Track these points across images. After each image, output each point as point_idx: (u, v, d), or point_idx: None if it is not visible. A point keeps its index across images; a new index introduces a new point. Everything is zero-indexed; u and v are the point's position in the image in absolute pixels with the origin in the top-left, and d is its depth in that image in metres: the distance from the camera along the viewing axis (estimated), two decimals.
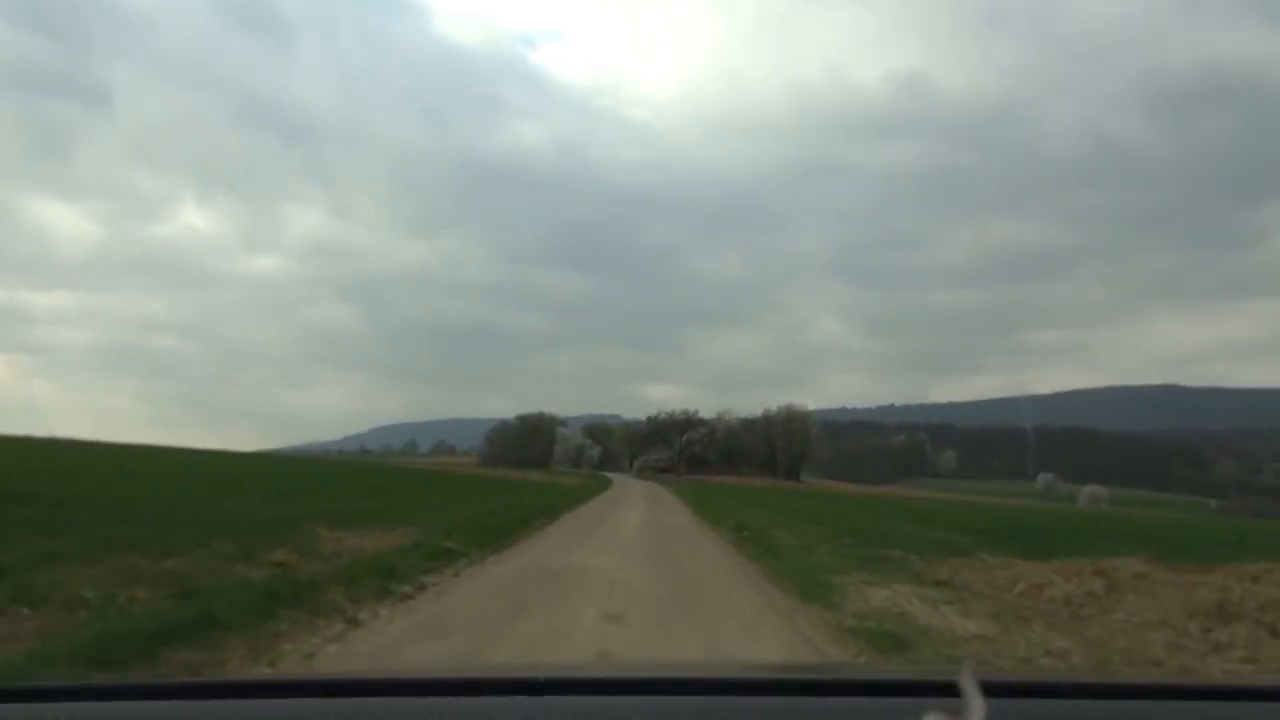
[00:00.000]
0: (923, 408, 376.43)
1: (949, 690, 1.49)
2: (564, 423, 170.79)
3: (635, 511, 33.94)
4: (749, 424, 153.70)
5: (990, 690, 1.45)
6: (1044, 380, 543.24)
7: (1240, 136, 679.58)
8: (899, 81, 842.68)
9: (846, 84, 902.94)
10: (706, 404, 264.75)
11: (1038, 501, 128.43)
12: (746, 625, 9.82)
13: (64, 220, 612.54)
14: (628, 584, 12.28)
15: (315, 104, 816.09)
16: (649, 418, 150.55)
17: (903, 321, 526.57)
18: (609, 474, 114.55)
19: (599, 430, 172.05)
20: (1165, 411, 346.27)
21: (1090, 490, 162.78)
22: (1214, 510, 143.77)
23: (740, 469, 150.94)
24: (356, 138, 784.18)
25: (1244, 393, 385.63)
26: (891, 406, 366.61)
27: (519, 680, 1.92)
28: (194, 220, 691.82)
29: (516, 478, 54.40)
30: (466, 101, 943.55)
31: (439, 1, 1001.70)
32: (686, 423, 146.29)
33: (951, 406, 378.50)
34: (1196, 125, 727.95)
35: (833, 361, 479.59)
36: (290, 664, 6.86)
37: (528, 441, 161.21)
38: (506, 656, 7.41)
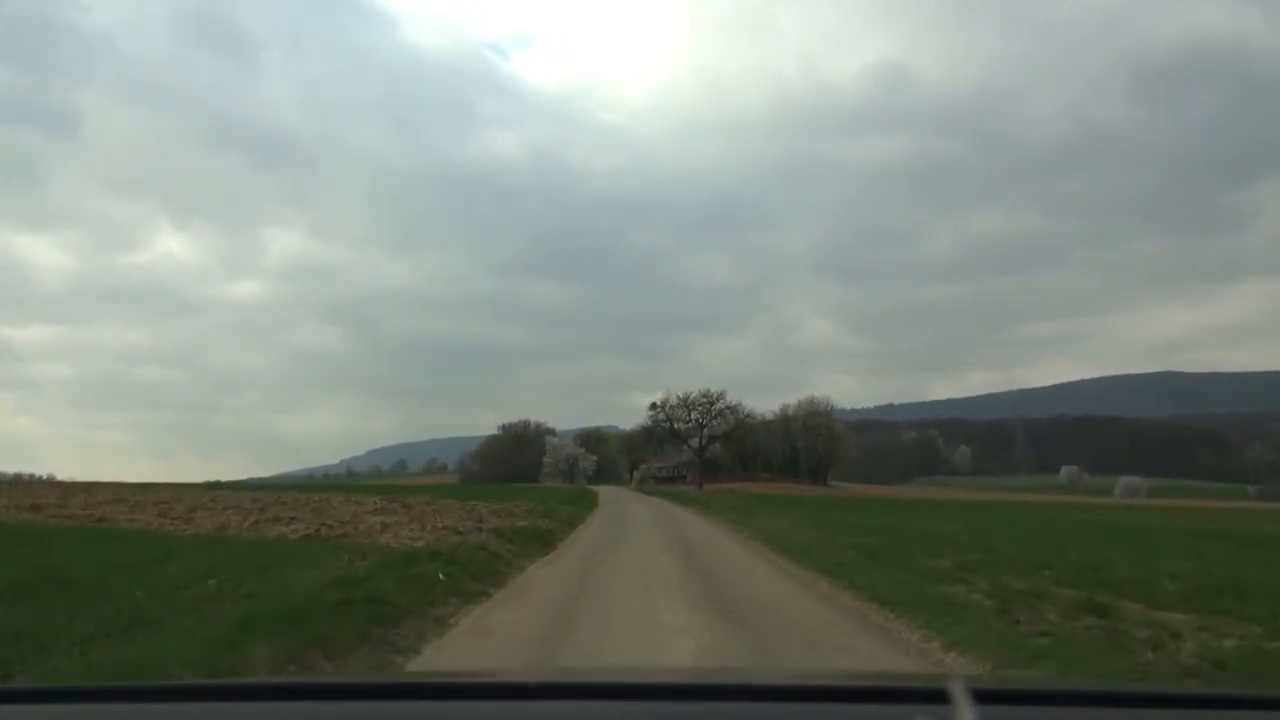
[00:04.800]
0: (922, 405, 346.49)
1: (939, 697, 1.41)
2: (553, 431, 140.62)
3: None
4: (766, 423, 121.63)
5: (980, 697, 1.39)
6: (1041, 373, 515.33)
7: (1226, 116, 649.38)
8: (876, 73, 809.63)
9: (823, 78, 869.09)
10: None
11: (1068, 496, 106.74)
12: None
13: (39, 253, 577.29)
14: None
15: (287, 122, 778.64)
16: (651, 404, 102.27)
17: (894, 319, 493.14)
18: (604, 487, 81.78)
19: (593, 438, 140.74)
20: (1167, 398, 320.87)
21: (1126, 482, 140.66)
22: (1253, 497, 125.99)
23: (758, 474, 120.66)
24: (331, 155, 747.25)
25: (1246, 376, 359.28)
26: (890, 405, 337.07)
27: (513, 685, 1.88)
28: (171, 247, 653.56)
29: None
30: (440, 112, 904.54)
31: (404, 12, 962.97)
32: (708, 411, 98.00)
33: (951, 403, 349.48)
34: (1182, 107, 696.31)
35: (826, 363, 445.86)
36: None
37: (515, 454, 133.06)
38: None
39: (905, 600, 9.46)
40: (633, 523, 25.51)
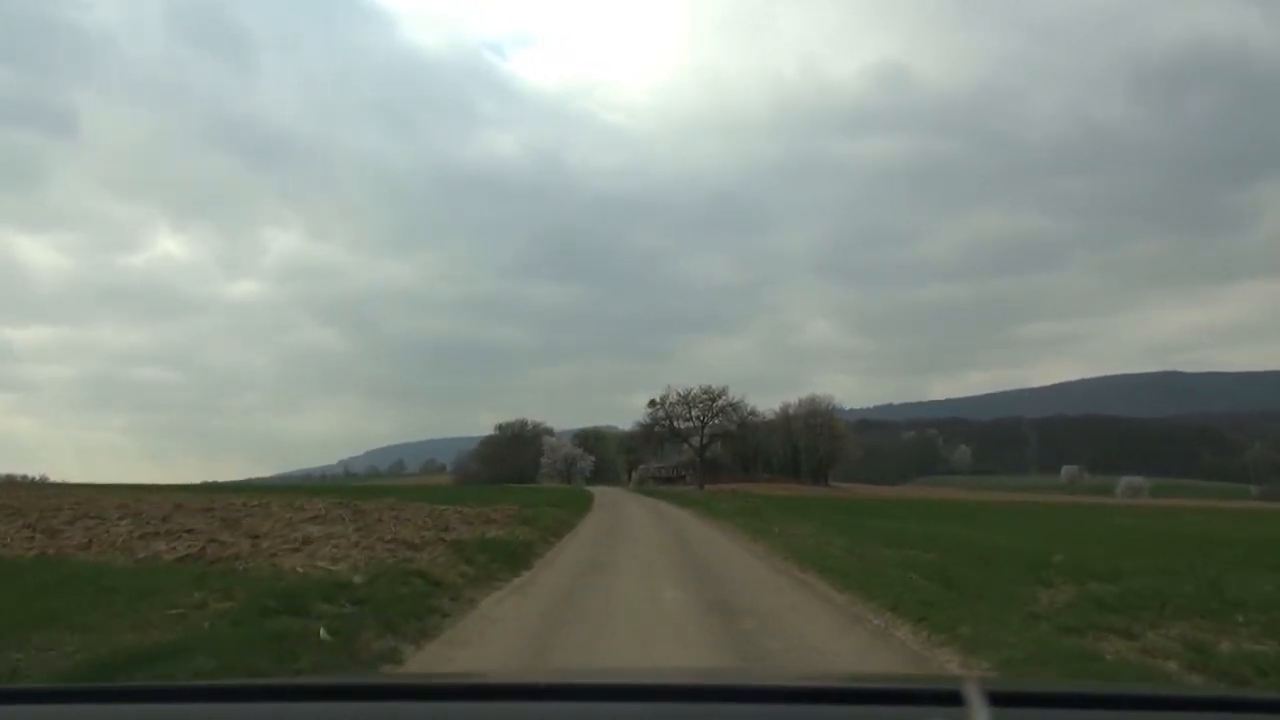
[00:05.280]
0: (921, 405, 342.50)
1: (953, 699, 1.40)
2: (550, 431, 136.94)
3: None
4: (766, 423, 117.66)
5: (995, 699, 1.38)
6: (1040, 373, 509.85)
7: (1226, 116, 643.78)
8: (876, 73, 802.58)
9: (824, 78, 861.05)
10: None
11: (1071, 496, 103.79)
12: None
13: (38, 253, 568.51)
14: None
15: (286, 123, 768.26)
16: (650, 401, 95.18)
17: (894, 319, 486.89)
18: (601, 488, 78.00)
19: (591, 438, 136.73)
20: (1166, 398, 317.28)
21: (1128, 481, 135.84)
22: (1255, 497, 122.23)
23: (758, 474, 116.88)
24: (331, 155, 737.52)
25: (1245, 376, 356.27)
26: (890, 405, 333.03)
27: (520, 686, 1.87)
28: (169, 247, 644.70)
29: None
30: (439, 112, 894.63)
31: (404, 12, 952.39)
32: (709, 409, 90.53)
33: (951, 403, 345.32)
34: (1182, 107, 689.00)
35: (826, 363, 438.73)
36: None
37: (512, 454, 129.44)
38: None
39: (1061, 673, 5.75)
40: (630, 531, 21.75)
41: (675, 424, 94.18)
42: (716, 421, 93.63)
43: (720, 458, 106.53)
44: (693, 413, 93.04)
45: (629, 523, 25.27)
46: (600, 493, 58.82)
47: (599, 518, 27.50)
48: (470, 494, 41.93)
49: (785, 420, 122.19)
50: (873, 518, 27.73)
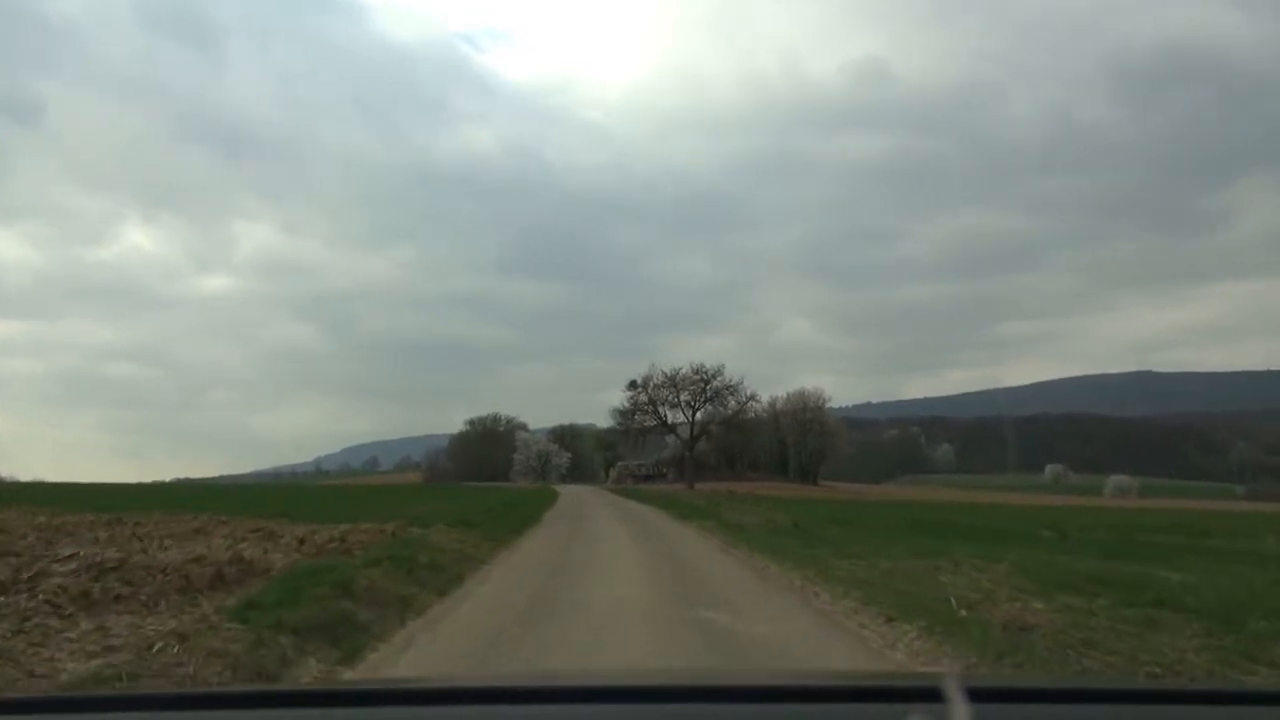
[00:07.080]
0: (899, 404, 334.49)
1: (933, 696, 1.39)
2: (524, 426, 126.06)
3: None
4: (752, 418, 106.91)
5: (975, 695, 1.38)
6: (1016, 372, 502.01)
7: (1204, 118, 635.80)
8: (858, 71, 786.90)
9: (804, 75, 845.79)
10: None
11: (1057, 496, 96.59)
12: None
13: (3, 246, 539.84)
14: None
15: (258, 115, 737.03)
16: (631, 382, 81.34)
17: (874, 318, 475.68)
18: (575, 487, 67.16)
19: (568, 434, 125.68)
20: (1142, 397, 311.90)
21: (1116, 481, 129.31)
22: (1240, 496, 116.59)
23: (745, 472, 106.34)
24: (303, 149, 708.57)
25: (1220, 375, 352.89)
26: (868, 404, 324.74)
27: (501, 689, 1.85)
28: (139, 241, 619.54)
29: None
30: (416, 107, 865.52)
31: (380, 4, 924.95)
32: (700, 393, 75.92)
33: (929, 401, 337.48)
34: (1161, 107, 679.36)
35: (805, 362, 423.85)
36: None
37: (485, 451, 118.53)
38: None
39: None
40: (585, 609, 10.21)
41: (660, 410, 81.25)
42: (710, 407, 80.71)
43: (704, 454, 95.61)
44: (681, 397, 79.91)
45: (593, 570, 13.67)
46: (570, 494, 47.65)
47: (536, 551, 15.77)
48: (393, 495, 30.61)
49: (774, 416, 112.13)
50: (979, 543, 16.58)
